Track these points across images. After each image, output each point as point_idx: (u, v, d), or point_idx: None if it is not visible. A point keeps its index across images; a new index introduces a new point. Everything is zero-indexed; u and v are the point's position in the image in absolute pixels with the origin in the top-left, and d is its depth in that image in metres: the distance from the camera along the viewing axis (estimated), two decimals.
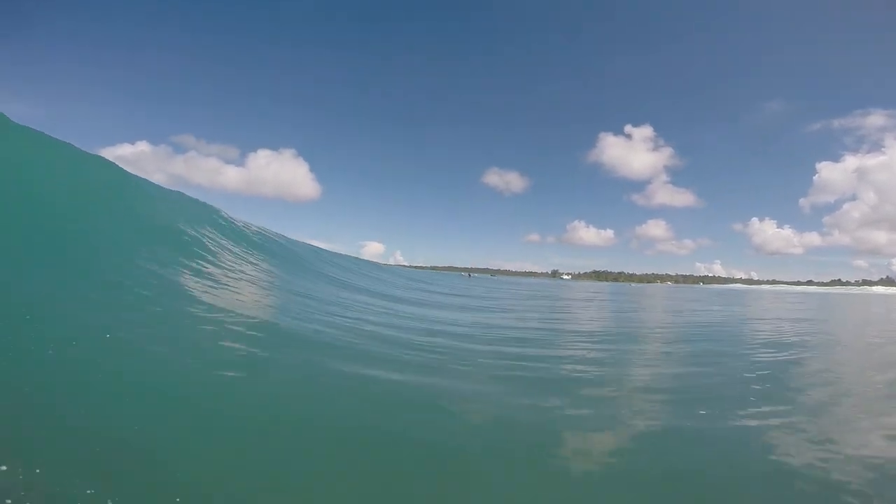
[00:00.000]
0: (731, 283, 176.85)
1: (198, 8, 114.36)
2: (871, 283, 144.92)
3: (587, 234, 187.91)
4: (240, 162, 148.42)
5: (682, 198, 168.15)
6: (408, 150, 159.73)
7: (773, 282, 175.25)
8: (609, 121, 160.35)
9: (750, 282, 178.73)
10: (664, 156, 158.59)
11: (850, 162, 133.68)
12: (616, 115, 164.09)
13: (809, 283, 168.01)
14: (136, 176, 7.83)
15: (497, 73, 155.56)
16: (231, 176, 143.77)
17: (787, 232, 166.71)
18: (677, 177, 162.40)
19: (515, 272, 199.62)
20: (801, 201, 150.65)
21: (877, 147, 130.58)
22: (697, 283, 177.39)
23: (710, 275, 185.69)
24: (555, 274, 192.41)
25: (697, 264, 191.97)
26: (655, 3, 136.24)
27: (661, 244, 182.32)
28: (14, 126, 5.93)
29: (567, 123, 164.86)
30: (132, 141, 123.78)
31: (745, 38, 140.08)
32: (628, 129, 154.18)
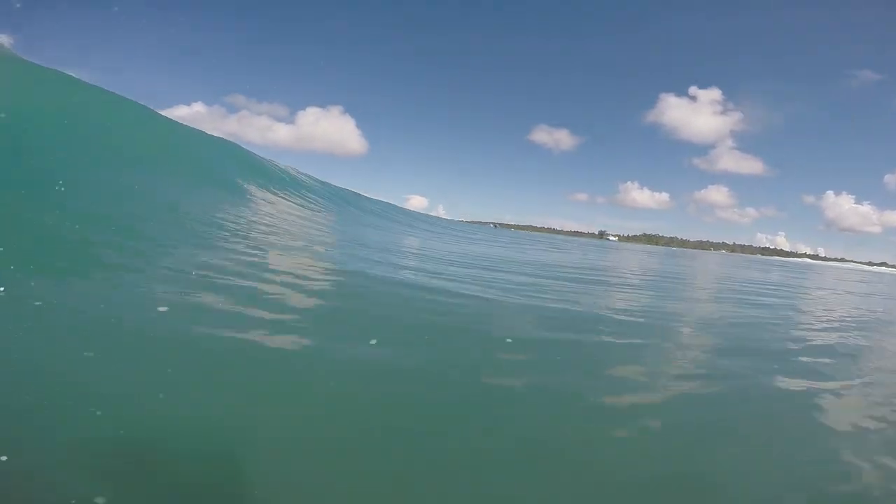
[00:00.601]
0: (796, 257, 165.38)
1: None
2: None
3: (640, 195, 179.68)
4: (289, 120, 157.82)
5: (748, 165, 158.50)
6: (454, 105, 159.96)
7: (843, 259, 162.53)
8: (671, 81, 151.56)
9: (816, 257, 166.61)
10: (732, 120, 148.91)
11: None
12: (680, 76, 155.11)
13: (884, 264, 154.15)
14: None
15: (550, 22, 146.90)
16: (282, 133, 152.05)
17: (866, 208, 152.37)
18: (745, 143, 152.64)
19: (559, 230, 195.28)
20: (887, 178, 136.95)
21: None
22: (756, 254, 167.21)
23: (772, 247, 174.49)
24: (601, 235, 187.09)
25: (759, 235, 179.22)
26: None
27: (722, 211, 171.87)
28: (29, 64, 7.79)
29: (625, 81, 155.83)
30: (188, 102, 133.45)
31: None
32: (693, 90, 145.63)
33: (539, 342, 3.15)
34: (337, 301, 3.58)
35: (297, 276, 4.08)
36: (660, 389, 2.56)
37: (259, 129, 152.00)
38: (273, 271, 4.06)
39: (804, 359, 3.62)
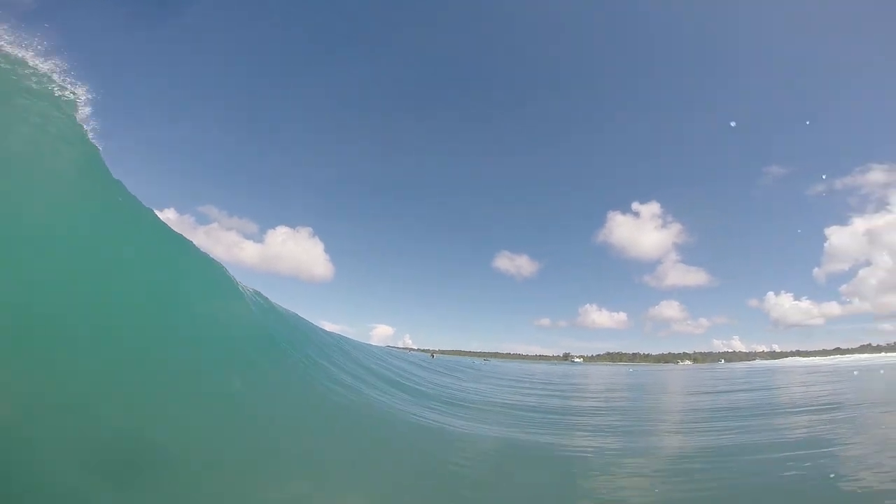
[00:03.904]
0: (753, 358, 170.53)
1: (228, 83, 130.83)
2: None
3: (600, 317, 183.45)
4: (259, 238, 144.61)
5: (694, 277, 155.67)
6: (420, 233, 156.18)
7: (797, 353, 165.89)
8: (617, 198, 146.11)
9: (773, 355, 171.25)
10: (673, 233, 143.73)
11: (859, 224, 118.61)
12: (623, 192, 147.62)
13: (837, 350, 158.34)
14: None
15: (504, 150, 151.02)
16: (249, 251, 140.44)
17: (806, 304, 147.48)
18: (688, 255, 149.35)
19: (525, 355, 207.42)
20: (816, 271, 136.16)
21: (882, 205, 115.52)
22: (718, 360, 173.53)
23: (730, 350, 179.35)
24: (566, 357, 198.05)
25: (714, 341, 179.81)
26: (646, 73, 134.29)
27: (676, 325, 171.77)
28: None
29: (575, 203, 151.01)
30: (161, 208, 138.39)
31: (739, 101, 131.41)
32: (636, 206, 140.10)
33: None
34: None
35: None
36: None
37: (227, 245, 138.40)
38: None
39: None
